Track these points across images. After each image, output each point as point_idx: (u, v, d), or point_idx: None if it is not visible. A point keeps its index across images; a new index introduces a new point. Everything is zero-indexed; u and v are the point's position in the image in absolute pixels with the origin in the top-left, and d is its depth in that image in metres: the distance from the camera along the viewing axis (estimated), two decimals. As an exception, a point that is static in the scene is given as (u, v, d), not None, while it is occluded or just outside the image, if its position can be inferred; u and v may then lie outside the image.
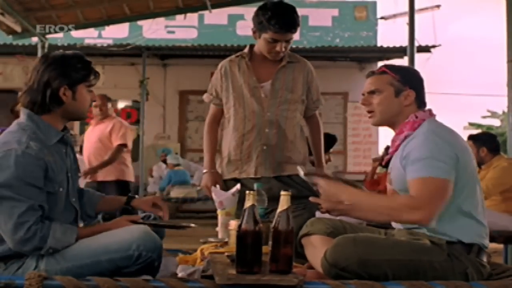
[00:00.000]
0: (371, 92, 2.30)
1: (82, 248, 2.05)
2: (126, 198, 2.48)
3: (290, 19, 2.88)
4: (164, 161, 9.33)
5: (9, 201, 1.99)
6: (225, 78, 3.05)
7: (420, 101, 2.28)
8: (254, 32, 2.98)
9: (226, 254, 2.23)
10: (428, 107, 2.31)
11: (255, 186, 2.56)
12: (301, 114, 3.12)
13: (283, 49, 2.93)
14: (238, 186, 2.81)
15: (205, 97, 3.16)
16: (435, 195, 2.03)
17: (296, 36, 3.02)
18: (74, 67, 2.18)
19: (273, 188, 2.88)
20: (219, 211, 2.74)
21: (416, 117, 2.23)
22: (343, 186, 2.26)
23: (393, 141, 2.29)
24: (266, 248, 1.97)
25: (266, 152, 2.98)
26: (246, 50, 3.07)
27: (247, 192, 1.94)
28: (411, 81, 2.28)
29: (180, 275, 2.23)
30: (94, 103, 3.32)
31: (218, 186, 2.92)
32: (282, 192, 1.95)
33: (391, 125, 2.33)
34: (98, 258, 2.01)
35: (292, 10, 2.91)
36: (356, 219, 2.48)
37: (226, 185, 3.02)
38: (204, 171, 3.11)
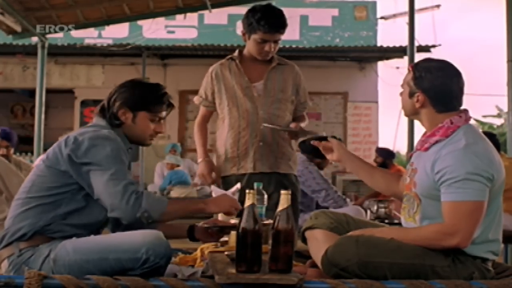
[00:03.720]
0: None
1: (92, 243, 2.09)
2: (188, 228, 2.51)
3: (278, 20, 3.04)
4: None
5: (101, 169, 2.14)
6: (216, 81, 3.18)
7: (438, 106, 2.18)
8: (243, 34, 3.14)
9: (226, 253, 2.24)
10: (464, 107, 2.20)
11: (255, 185, 2.56)
12: (290, 114, 3.23)
13: (272, 49, 3.07)
14: (238, 185, 2.82)
15: (196, 99, 3.31)
16: (469, 219, 2.01)
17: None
18: (141, 94, 2.34)
19: (270, 184, 3.03)
20: (219, 211, 2.74)
21: (452, 123, 2.15)
22: (374, 229, 2.23)
23: (422, 141, 2.23)
24: (266, 247, 1.97)
25: (263, 148, 3.11)
26: (235, 53, 3.22)
27: (247, 191, 1.94)
28: (424, 84, 2.18)
29: (179, 276, 2.23)
30: None
31: (216, 185, 3.03)
32: (282, 191, 1.96)
33: (418, 120, 2.30)
34: (106, 255, 2.03)
35: (280, 12, 3.08)
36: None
37: (225, 181, 3.14)
38: (199, 160, 3.22)
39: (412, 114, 2.29)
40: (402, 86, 2.30)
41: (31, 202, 2.17)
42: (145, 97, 2.34)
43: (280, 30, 3.03)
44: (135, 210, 2.09)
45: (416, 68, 2.23)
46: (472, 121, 2.24)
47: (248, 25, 3.06)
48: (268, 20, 2.99)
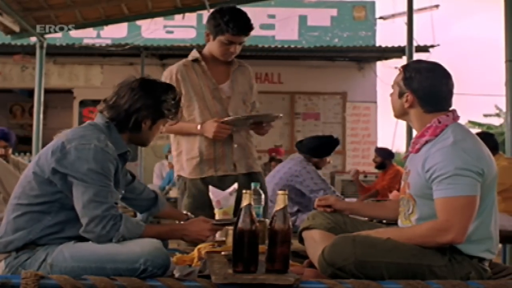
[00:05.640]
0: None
1: (91, 251, 2.07)
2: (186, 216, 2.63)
3: (247, 23, 3.05)
4: None
5: (84, 185, 2.08)
6: (183, 83, 3.12)
7: (426, 106, 2.20)
8: (207, 35, 3.12)
9: (223, 253, 2.24)
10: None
11: (252, 185, 2.57)
12: None
13: (236, 51, 3.10)
14: (235, 185, 2.83)
15: None
16: (462, 214, 2.01)
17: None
18: (167, 103, 2.29)
19: (245, 184, 2.96)
20: (216, 210, 2.75)
21: (439, 122, 2.17)
22: (370, 231, 2.24)
23: (413, 143, 2.25)
24: (263, 248, 1.97)
25: (238, 150, 3.14)
26: (196, 54, 3.18)
27: (243, 191, 1.94)
28: (413, 84, 2.20)
29: (177, 275, 2.23)
30: None
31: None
32: (279, 191, 1.96)
33: (408, 121, 2.33)
34: (104, 264, 2.02)
35: (246, 15, 3.08)
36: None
37: (204, 182, 3.06)
38: (198, 127, 3.06)
39: (401, 115, 2.30)
40: (393, 86, 2.32)
41: (20, 209, 2.15)
42: (169, 108, 2.31)
43: (247, 33, 3.06)
44: (110, 236, 2.08)
45: (406, 69, 2.25)
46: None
47: (215, 26, 3.04)
48: (237, 23, 3.00)
